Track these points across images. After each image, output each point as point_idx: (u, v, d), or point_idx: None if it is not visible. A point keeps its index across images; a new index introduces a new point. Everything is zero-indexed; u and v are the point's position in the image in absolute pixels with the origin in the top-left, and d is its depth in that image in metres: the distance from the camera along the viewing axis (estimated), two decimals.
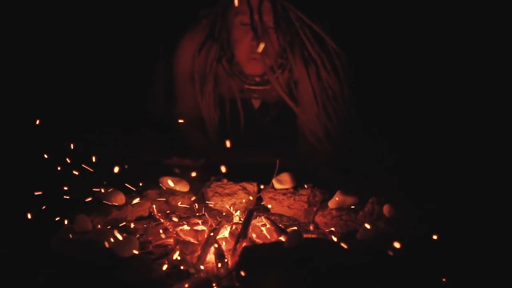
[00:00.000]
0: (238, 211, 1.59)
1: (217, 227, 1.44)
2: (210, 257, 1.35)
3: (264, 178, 1.74)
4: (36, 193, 1.52)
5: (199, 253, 1.34)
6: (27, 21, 2.13)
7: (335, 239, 1.39)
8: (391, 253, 1.25)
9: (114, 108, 2.15)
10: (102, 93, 2.18)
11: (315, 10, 1.85)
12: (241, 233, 1.39)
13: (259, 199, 1.73)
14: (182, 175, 1.75)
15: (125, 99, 2.21)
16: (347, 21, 1.95)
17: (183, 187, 1.73)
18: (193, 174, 1.74)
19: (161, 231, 1.47)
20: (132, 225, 1.54)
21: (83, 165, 1.63)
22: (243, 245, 1.34)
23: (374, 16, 2.04)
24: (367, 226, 1.39)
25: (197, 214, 1.58)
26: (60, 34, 2.15)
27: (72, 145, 1.70)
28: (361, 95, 1.94)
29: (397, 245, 1.24)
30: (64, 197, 1.53)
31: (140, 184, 1.70)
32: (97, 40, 2.19)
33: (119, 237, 1.33)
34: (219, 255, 1.32)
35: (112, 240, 1.33)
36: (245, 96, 2.07)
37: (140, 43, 2.20)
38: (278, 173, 1.72)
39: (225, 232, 1.47)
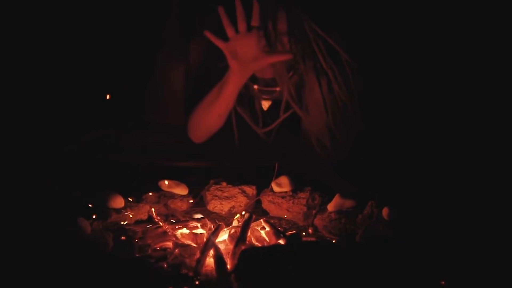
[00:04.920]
0: (237, 214, 1.59)
1: (216, 230, 1.44)
2: (209, 260, 1.35)
3: (263, 181, 1.74)
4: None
5: (198, 256, 1.34)
6: (27, 21, 2.13)
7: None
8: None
9: (116, 109, 2.15)
10: (103, 94, 2.19)
11: (330, 22, 1.85)
12: (240, 236, 1.39)
13: (258, 202, 1.73)
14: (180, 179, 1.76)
15: (126, 100, 2.22)
16: (362, 34, 1.95)
17: (182, 190, 1.74)
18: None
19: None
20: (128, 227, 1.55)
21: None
22: (242, 248, 1.34)
23: (389, 29, 2.04)
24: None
25: (196, 217, 1.58)
26: (68, 25, 2.14)
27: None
28: (370, 106, 1.94)
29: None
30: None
31: None
32: (100, 39, 2.20)
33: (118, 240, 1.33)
34: (218, 258, 1.32)
35: (111, 243, 1.33)
36: (254, 96, 2.06)
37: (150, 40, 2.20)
38: (277, 176, 1.72)
39: (224, 235, 1.47)
